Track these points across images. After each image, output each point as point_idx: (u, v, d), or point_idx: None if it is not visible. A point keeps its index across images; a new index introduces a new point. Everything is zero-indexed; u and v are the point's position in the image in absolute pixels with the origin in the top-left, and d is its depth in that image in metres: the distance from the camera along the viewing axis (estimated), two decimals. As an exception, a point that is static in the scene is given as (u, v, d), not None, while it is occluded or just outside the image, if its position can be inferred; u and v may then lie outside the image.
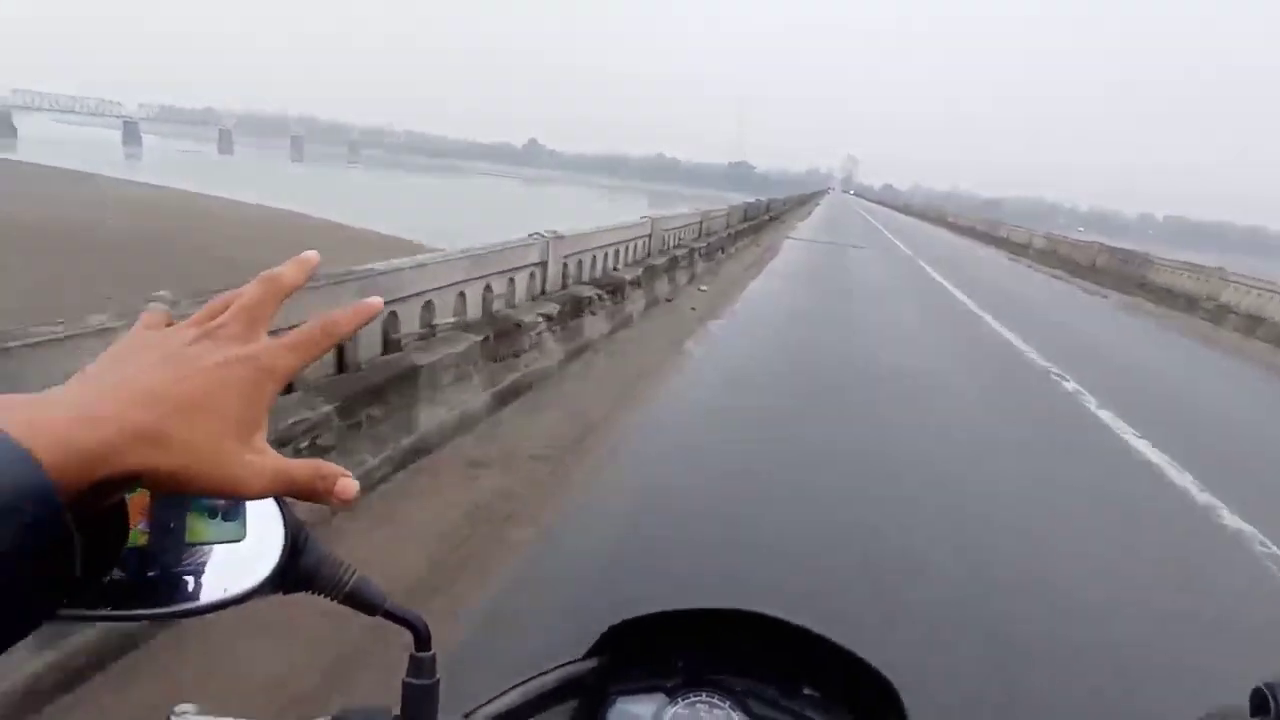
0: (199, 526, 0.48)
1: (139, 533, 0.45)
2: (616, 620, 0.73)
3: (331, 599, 0.55)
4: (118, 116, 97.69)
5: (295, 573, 0.52)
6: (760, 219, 21.75)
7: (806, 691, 0.72)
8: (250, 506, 0.49)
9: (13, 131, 75.86)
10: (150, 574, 0.46)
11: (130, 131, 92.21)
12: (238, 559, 0.49)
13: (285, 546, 0.51)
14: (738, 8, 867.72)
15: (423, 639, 0.60)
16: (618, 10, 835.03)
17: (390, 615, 0.58)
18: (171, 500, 0.46)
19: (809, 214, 40.26)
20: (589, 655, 0.74)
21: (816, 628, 0.72)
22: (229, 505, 0.48)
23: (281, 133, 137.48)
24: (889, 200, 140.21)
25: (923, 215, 63.79)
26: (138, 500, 0.44)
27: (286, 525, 0.52)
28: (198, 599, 0.48)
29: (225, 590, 0.49)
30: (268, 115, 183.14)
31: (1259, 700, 0.50)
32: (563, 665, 0.72)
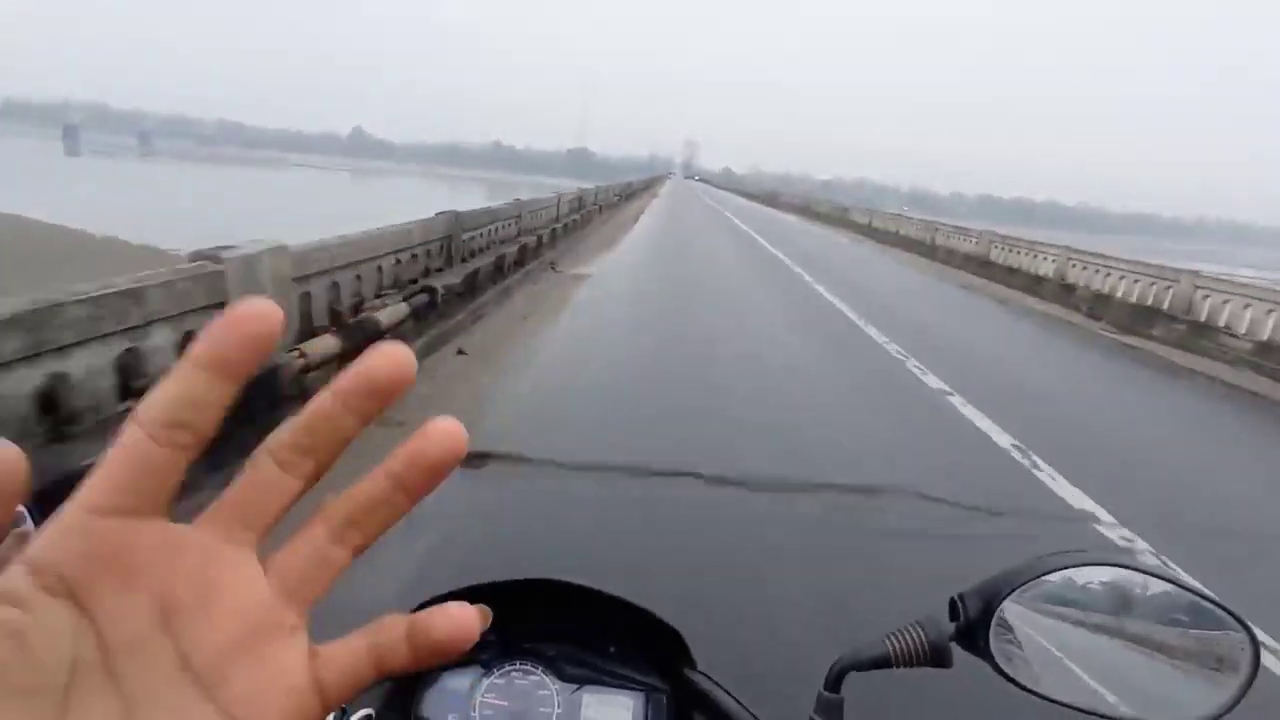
0: None
1: None
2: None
3: None
4: None
5: None
6: (507, 250, 9.44)
7: (612, 649, 0.78)
8: None
9: None
10: None
11: None
12: None
13: None
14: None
15: None
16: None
17: None
18: None
19: (640, 215, 24.72)
20: None
21: (614, 589, 0.77)
22: None
23: (59, 122, 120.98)
24: (735, 185, 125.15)
25: (790, 206, 49.42)
26: None
27: None
28: None
29: None
30: (42, 102, 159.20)
31: (953, 608, 0.60)
32: None
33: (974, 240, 18.39)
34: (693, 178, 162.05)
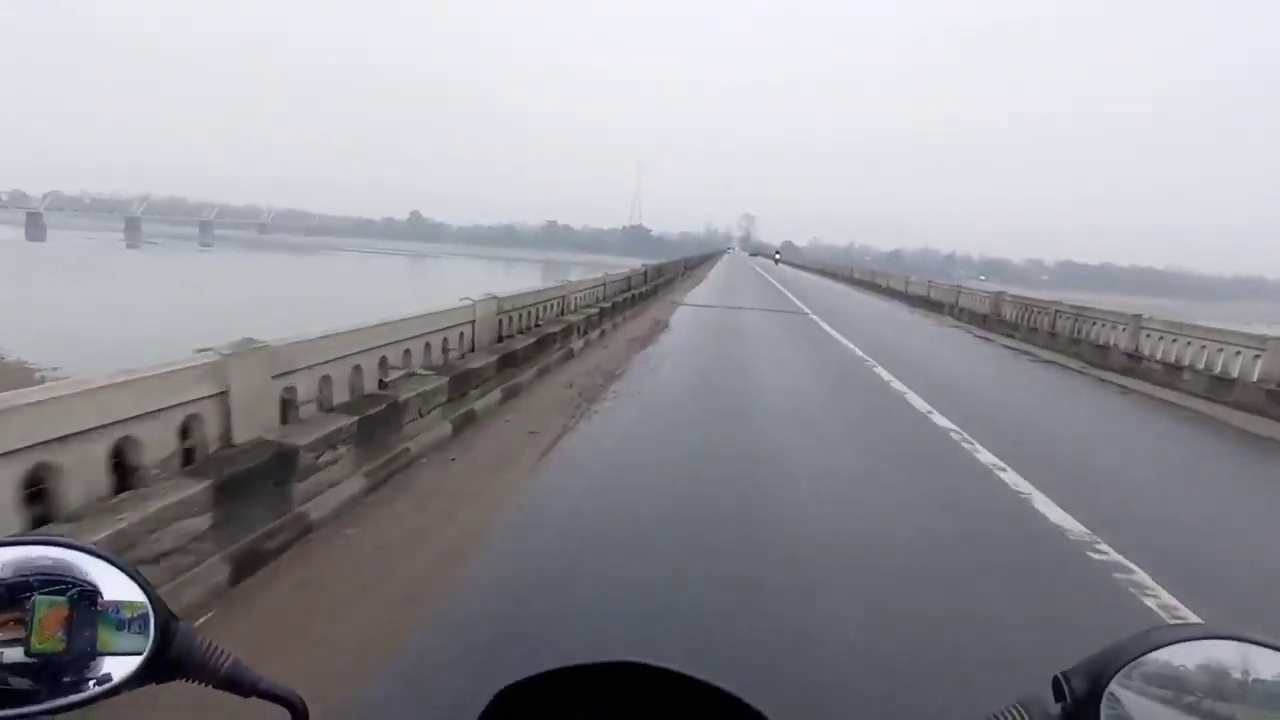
0: (108, 637, 0.54)
1: (57, 640, 0.52)
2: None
3: (206, 684, 0.58)
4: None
5: (165, 662, 0.56)
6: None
7: None
8: (118, 598, 0.55)
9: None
10: (31, 674, 0.52)
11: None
12: (110, 654, 0.54)
13: (154, 640, 0.55)
14: (627, 71, 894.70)
15: (300, 715, 0.60)
16: (498, 76, 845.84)
17: (265, 694, 0.60)
18: (87, 614, 0.54)
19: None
20: None
21: (695, 672, 0.72)
22: (136, 618, 0.55)
23: (121, 215, 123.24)
24: (805, 261, 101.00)
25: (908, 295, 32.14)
26: (56, 612, 0.53)
27: (156, 618, 0.55)
28: (69, 694, 0.52)
29: (96, 685, 0.53)
30: (101, 196, 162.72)
31: (1057, 688, 0.56)
32: None
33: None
34: (775, 256, 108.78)
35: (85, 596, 0.54)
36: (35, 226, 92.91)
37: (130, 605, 0.55)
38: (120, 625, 0.55)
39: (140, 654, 0.54)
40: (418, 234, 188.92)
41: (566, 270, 62.19)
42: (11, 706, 0.50)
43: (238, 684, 0.59)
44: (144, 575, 0.56)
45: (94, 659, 0.53)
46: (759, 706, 0.71)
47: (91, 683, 0.53)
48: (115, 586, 0.55)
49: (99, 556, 0.55)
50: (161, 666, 0.55)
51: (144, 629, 0.55)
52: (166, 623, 0.56)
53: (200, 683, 0.58)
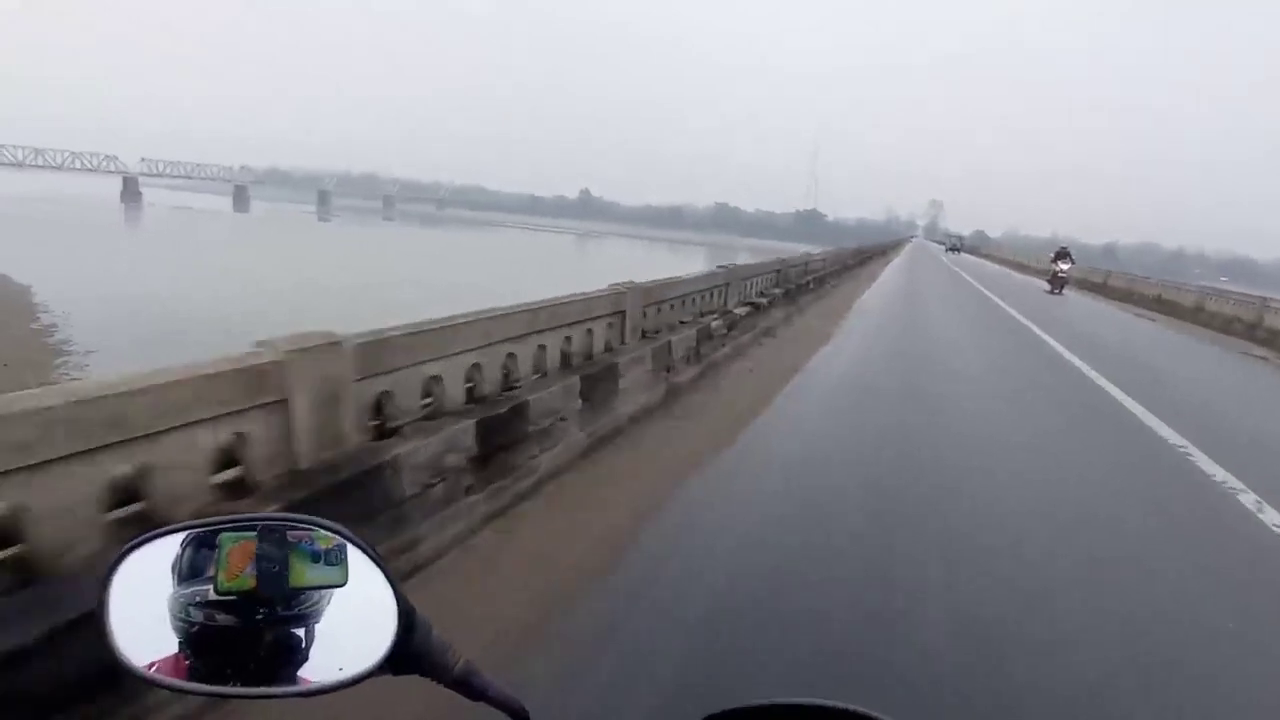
0: (301, 569, 0.51)
1: (246, 577, 0.50)
2: (715, 710, 0.68)
3: (439, 682, 0.57)
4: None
5: (406, 654, 0.54)
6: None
7: None
8: (360, 586, 0.52)
9: (139, 198, 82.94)
10: (263, 653, 0.50)
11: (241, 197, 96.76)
12: (349, 639, 0.52)
13: (398, 628, 0.53)
14: (809, 49, 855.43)
15: None
16: (677, 57, 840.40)
17: (494, 701, 0.59)
18: (275, 545, 0.51)
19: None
20: None
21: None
22: (331, 549, 0.53)
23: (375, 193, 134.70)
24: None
25: None
26: (243, 547, 0.50)
27: (399, 606, 0.54)
28: (311, 681, 0.51)
29: (340, 670, 0.52)
30: (311, 170, 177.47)
31: None
32: None
33: None
34: (957, 249, 79.39)
35: (272, 530, 0.51)
36: (241, 199, 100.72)
37: (325, 537, 0.52)
38: (315, 557, 0.52)
39: (339, 585, 0.52)
40: (587, 212, 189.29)
41: (733, 254, 56.50)
42: (250, 685, 0.50)
43: (469, 687, 0.58)
44: (388, 564, 0.53)
45: (289, 596, 0.51)
46: None
47: (334, 669, 0.51)
48: (361, 576, 0.52)
49: (350, 541, 0.53)
50: (400, 660, 0.54)
51: (340, 560, 0.52)
52: (409, 615, 0.54)
53: (434, 680, 0.57)
